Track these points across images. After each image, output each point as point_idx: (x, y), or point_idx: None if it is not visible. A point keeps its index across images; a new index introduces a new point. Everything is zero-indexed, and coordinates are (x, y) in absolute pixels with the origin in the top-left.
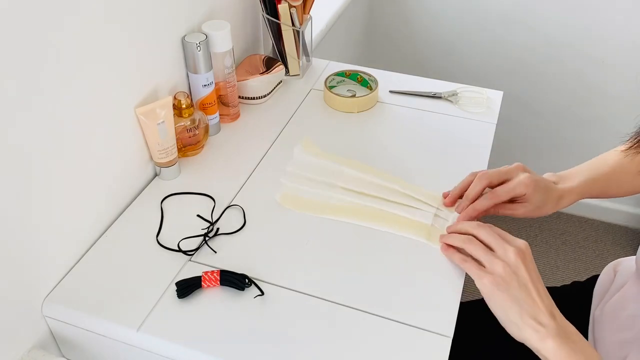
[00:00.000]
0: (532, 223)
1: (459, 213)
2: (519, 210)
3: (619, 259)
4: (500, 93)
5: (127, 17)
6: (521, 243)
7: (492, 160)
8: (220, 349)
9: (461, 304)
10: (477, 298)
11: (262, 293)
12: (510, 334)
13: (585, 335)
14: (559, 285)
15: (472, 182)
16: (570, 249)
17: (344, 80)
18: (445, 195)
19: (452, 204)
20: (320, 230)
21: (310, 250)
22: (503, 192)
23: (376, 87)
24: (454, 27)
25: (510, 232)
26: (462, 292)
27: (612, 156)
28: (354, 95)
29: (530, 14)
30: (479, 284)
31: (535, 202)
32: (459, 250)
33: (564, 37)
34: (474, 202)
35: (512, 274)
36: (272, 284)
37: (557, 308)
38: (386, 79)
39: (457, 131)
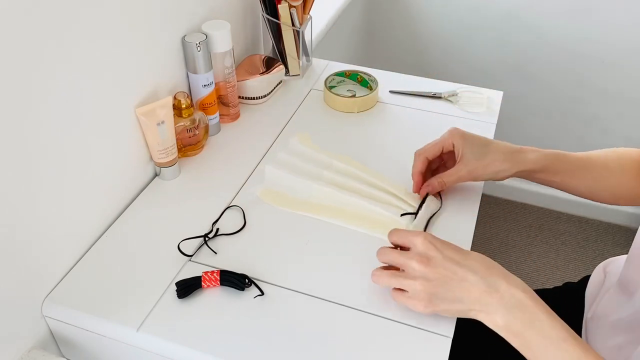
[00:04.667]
0: (532, 223)
1: (417, 192)
2: (461, 170)
3: (608, 259)
4: (500, 93)
5: (127, 17)
6: (418, 243)
7: None
8: (220, 349)
9: None
10: None
11: (262, 293)
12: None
13: None
14: (550, 287)
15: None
16: (570, 249)
17: (344, 80)
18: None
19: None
20: (320, 231)
21: (310, 251)
22: (429, 147)
23: (376, 87)
24: (454, 27)
25: (509, 233)
26: None
27: (596, 153)
28: (354, 95)
29: (530, 14)
30: (418, 312)
31: (473, 154)
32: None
33: (563, 37)
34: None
35: (431, 282)
36: (272, 284)
37: (495, 274)
38: (386, 79)
39: None
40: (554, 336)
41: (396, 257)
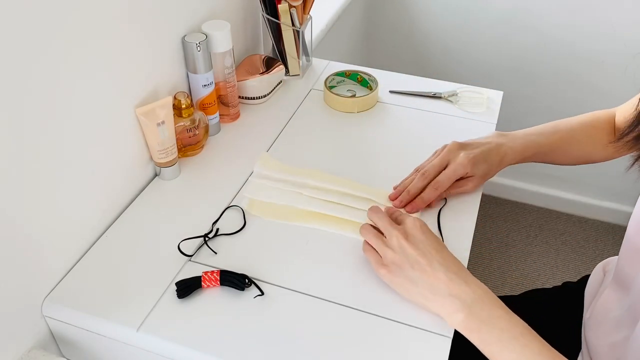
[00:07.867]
0: (532, 223)
1: (402, 207)
2: (468, 187)
3: (608, 259)
4: (500, 93)
5: (127, 17)
6: (408, 222)
7: None
8: (220, 349)
9: None
10: None
11: (262, 293)
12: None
13: (579, 340)
14: (550, 287)
15: (414, 178)
16: (570, 249)
17: (344, 80)
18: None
19: (395, 198)
20: (319, 231)
21: (310, 251)
22: (445, 180)
23: (376, 87)
24: (454, 27)
25: (509, 233)
26: None
27: (565, 124)
28: (354, 95)
29: (530, 14)
30: (378, 275)
31: (479, 173)
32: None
33: (563, 37)
34: (416, 196)
35: (402, 257)
36: (272, 284)
37: (462, 272)
38: (386, 79)
39: (457, 131)
40: (512, 331)
41: (385, 223)
